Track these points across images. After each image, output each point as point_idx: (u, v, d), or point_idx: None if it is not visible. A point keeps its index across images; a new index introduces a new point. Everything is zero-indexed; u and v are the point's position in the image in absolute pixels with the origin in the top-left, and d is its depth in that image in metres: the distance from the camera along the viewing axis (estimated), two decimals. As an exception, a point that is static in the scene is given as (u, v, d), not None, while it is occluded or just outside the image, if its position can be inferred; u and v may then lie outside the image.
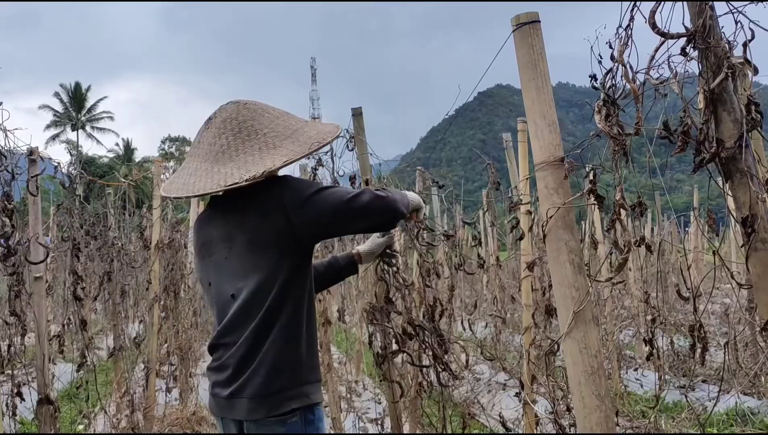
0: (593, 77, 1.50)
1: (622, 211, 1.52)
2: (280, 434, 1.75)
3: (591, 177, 1.60)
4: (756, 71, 1.29)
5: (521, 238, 3.37)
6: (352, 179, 3.04)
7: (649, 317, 4.33)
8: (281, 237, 1.75)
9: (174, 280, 5.05)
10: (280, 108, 1.96)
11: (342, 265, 2.34)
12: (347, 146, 2.92)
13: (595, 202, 1.60)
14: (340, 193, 1.77)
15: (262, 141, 1.80)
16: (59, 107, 51.68)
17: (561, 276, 1.58)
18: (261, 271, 1.76)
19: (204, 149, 1.85)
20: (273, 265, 1.76)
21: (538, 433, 3.62)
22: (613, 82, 1.47)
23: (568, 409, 2.77)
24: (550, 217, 1.58)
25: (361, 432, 3.55)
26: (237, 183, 1.71)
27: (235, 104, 1.89)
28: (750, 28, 1.27)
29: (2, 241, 2.80)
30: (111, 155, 52.87)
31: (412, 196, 2.11)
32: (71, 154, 49.08)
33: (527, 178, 3.17)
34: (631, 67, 1.42)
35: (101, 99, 54.73)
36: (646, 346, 3.48)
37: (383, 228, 2.06)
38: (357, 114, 2.96)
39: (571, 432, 2.77)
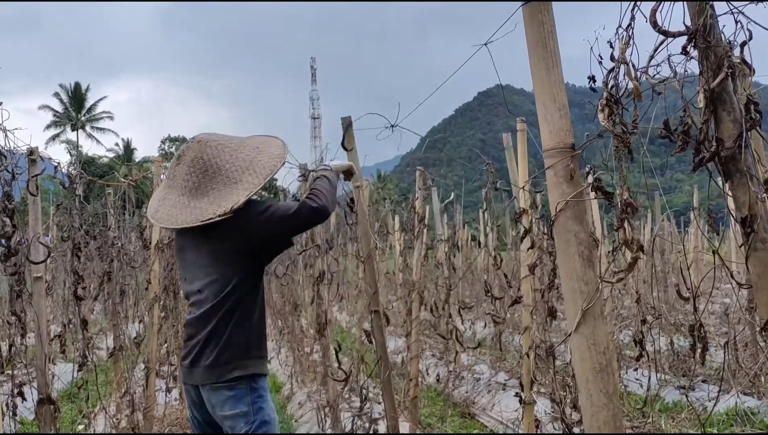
0: (592, 78, 1.50)
1: (629, 210, 1.50)
2: (227, 396, 2.22)
3: (592, 174, 1.59)
4: (753, 72, 1.28)
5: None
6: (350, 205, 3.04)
7: (641, 318, 4.34)
8: (237, 250, 2.26)
9: (174, 280, 5.03)
10: (236, 136, 2.41)
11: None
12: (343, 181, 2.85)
13: (603, 198, 1.56)
14: (284, 208, 2.26)
15: (225, 176, 2.27)
16: (59, 107, 51.59)
17: (570, 269, 1.51)
18: (220, 274, 2.26)
19: (179, 184, 2.32)
20: (229, 271, 2.26)
21: (539, 433, 3.62)
22: (616, 81, 1.46)
23: (575, 406, 2.75)
24: (560, 208, 1.50)
25: (360, 432, 3.56)
26: (211, 218, 2.19)
27: (198, 143, 2.33)
28: (748, 29, 1.26)
29: (3, 241, 2.80)
30: (111, 155, 52.77)
31: (338, 165, 2.61)
32: (71, 154, 49.04)
33: (526, 182, 3.17)
34: (633, 66, 1.41)
35: (101, 99, 54.66)
36: (636, 347, 3.51)
37: (317, 225, 2.75)
38: (347, 124, 2.90)
39: (575, 432, 2.77)
